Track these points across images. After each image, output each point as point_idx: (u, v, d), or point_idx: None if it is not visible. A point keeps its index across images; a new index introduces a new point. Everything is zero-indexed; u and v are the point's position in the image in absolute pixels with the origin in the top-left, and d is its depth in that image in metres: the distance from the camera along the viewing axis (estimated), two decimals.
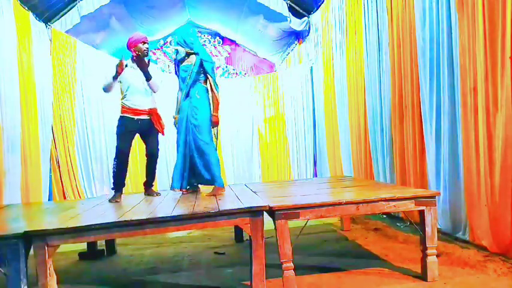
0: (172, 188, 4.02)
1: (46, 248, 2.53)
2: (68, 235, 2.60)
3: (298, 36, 8.58)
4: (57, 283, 2.61)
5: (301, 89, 8.41)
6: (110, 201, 3.88)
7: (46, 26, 6.48)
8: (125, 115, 3.99)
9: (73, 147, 6.77)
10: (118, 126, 4.02)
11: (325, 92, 7.26)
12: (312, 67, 8.02)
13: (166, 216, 2.74)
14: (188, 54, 3.99)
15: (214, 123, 4.00)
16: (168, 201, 3.58)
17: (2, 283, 2.59)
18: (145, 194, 4.20)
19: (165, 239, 4.73)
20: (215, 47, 10.67)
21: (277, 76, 9.16)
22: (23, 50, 5.65)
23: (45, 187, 6.14)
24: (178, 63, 4.10)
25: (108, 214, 3.11)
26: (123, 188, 4.05)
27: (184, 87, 3.98)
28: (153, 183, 4.32)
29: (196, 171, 3.96)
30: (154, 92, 4.12)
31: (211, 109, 3.99)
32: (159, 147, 4.21)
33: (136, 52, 3.96)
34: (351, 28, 5.85)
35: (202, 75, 3.98)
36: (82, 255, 4.14)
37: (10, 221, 3.39)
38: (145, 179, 4.28)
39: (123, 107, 4.01)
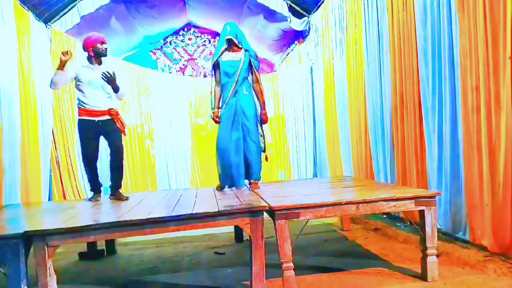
0: (237, 187, 3.98)
1: (46, 248, 2.52)
2: (68, 235, 2.60)
3: (298, 36, 8.58)
4: (57, 283, 2.60)
5: (301, 89, 8.40)
6: (90, 200, 4.04)
7: (46, 26, 6.48)
8: (85, 118, 3.89)
9: (73, 147, 6.76)
10: (79, 131, 3.96)
11: (325, 92, 7.26)
12: (311, 67, 8.01)
13: (166, 216, 2.73)
14: (230, 48, 4.00)
15: (265, 121, 4.10)
16: (168, 201, 3.58)
17: (2, 283, 2.59)
18: (110, 198, 3.96)
19: (165, 239, 4.73)
20: (215, 47, 10.66)
21: (277, 76, 9.16)
22: (23, 50, 5.65)
23: (45, 187, 6.13)
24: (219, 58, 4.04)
25: (108, 214, 3.11)
26: (101, 188, 4.12)
27: (232, 82, 3.93)
28: (120, 185, 4.11)
29: (246, 169, 4.01)
30: (120, 100, 4.13)
31: (260, 106, 4.08)
32: (122, 145, 4.06)
33: (94, 52, 3.86)
34: (351, 28, 5.85)
35: (249, 72, 4.02)
36: (82, 255, 4.14)
37: (10, 221, 3.39)
38: (111, 181, 4.04)
39: (81, 109, 3.90)
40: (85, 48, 3.91)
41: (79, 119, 3.93)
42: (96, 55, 3.89)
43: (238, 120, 3.95)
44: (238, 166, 3.95)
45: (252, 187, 3.98)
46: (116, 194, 3.97)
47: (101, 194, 4.12)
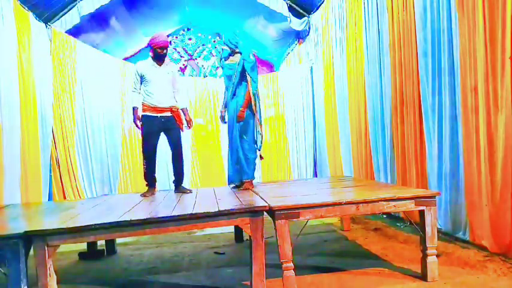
0: (230, 183, 4.22)
1: (46, 248, 2.53)
2: (68, 235, 2.60)
3: (298, 36, 8.58)
4: (57, 283, 2.61)
5: (301, 89, 8.40)
6: (142, 195, 4.07)
7: (46, 26, 6.47)
8: (148, 113, 4.09)
9: (73, 147, 6.76)
10: (143, 126, 4.13)
11: (325, 92, 7.26)
12: (311, 67, 8.02)
13: (166, 216, 2.74)
14: (232, 53, 4.14)
15: (238, 118, 4.04)
16: (168, 201, 3.58)
17: (2, 283, 2.59)
18: (175, 192, 4.22)
19: (165, 239, 4.73)
20: (215, 47, 10.67)
21: (277, 76, 9.16)
22: (23, 50, 5.65)
23: (45, 187, 6.13)
24: (223, 61, 4.27)
25: (108, 214, 3.11)
26: (156, 183, 4.26)
27: (231, 85, 4.11)
28: (183, 180, 4.35)
29: (239, 167, 4.12)
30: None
31: (241, 104, 4.05)
32: (181, 142, 4.33)
33: (154, 54, 4.10)
34: (351, 28, 5.85)
35: (245, 74, 4.09)
36: (82, 255, 4.14)
37: (10, 221, 3.39)
38: (174, 176, 4.32)
39: (144, 105, 4.09)
40: (149, 46, 4.15)
41: (143, 115, 4.11)
42: (155, 56, 4.12)
43: (235, 120, 4.10)
44: (233, 165, 4.16)
45: (243, 186, 4.08)
46: (179, 188, 4.23)
47: (156, 188, 4.27)
